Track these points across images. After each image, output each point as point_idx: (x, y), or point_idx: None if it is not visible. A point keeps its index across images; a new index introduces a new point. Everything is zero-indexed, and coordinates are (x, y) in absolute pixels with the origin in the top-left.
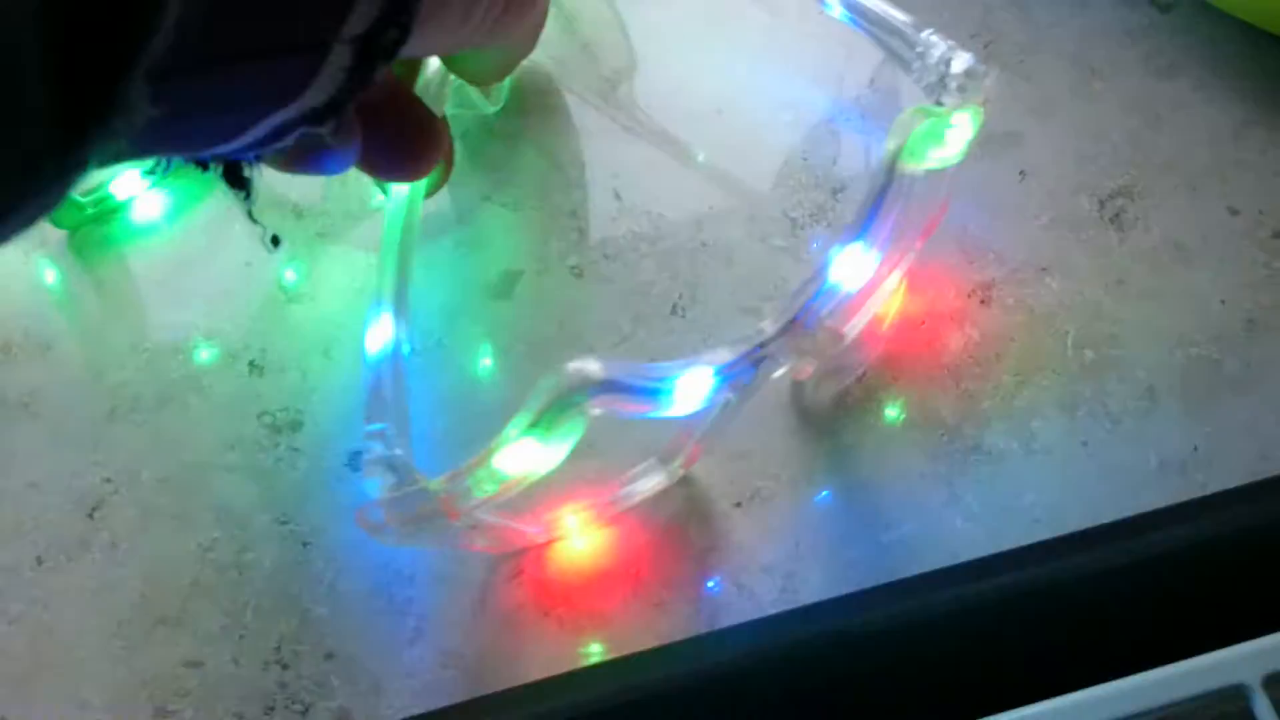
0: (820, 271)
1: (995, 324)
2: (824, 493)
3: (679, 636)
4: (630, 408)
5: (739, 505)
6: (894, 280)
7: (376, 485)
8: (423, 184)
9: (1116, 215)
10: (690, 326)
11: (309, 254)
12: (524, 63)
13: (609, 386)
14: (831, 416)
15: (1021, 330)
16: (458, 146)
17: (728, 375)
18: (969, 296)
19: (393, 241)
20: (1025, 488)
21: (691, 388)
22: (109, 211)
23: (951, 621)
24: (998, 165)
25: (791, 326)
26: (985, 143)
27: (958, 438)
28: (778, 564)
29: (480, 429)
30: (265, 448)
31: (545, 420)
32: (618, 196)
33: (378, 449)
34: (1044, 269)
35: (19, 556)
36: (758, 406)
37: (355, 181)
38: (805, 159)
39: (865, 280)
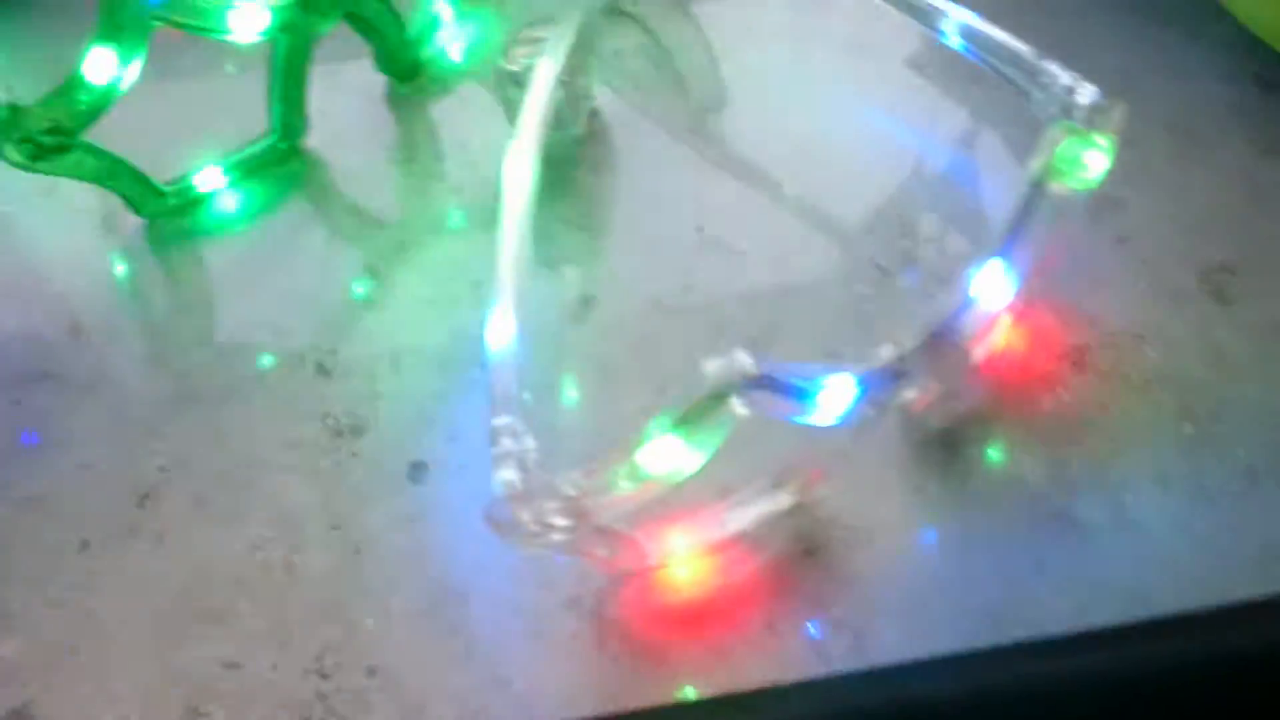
0: (961, 287)
1: (1088, 389)
2: (904, 550)
3: (735, 687)
4: (778, 408)
5: (810, 553)
6: (1017, 308)
7: (503, 482)
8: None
9: (1218, 290)
10: None
11: (387, 264)
12: (615, 91)
13: (761, 383)
14: (918, 471)
15: (1116, 398)
16: (544, 170)
17: (869, 384)
18: (1061, 359)
19: (512, 237)
20: (1114, 562)
21: (835, 395)
22: (189, 203)
23: (1029, 699)
24: (1096, 229)
25: (932, 341)
26: (1085, 205)
27: (1046, 504)
28: (849, 619)
29: (544, 449)
30: (325, 451)
31: (693, 416)
32: (701, 230)
33: (507, 443)
34: (1141, 337)
35: (63, 539)
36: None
37: (436, 196)
38: (896, 207)
39: (1003, 301)
